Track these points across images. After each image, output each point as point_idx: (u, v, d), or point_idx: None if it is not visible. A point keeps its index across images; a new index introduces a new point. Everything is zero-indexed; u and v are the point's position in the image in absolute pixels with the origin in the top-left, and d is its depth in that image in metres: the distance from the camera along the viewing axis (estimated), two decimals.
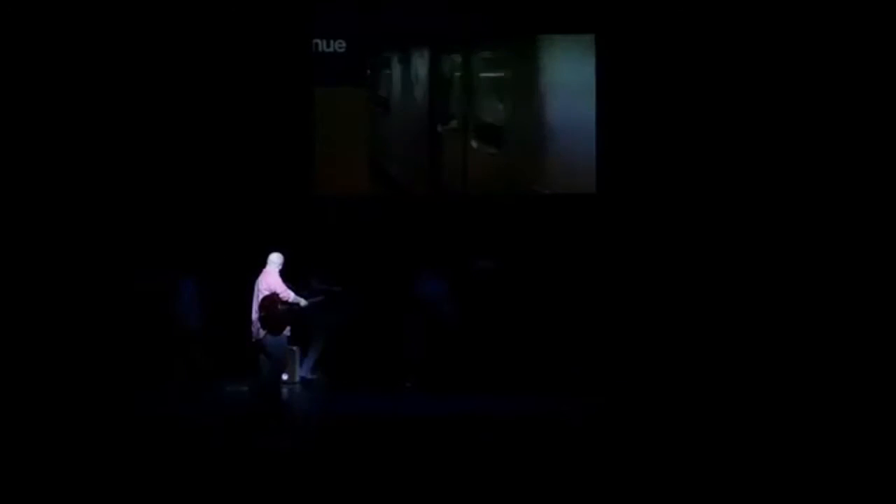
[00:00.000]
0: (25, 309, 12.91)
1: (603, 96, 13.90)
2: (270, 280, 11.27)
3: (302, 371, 13.29)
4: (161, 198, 13.67)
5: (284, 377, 12.56)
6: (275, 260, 11.41)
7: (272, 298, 11.17)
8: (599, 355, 13.13)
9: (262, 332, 11.24)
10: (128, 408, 11.44)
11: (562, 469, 8.92)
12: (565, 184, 14.10)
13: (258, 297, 11.27)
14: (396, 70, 14.44)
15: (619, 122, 13.86)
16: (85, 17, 13.33)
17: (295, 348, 12.79)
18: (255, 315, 11.27)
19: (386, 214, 14.19)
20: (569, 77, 14.03)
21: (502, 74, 14.18)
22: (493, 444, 9.80)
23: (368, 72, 14.31)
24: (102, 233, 13.44)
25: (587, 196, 14.01)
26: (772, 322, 12.93)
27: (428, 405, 11.86)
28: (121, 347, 13.03)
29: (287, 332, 11.37)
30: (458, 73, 14.28)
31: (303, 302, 11.43)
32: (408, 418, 11.15)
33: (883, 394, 11.30)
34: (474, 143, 14.28)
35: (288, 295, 11.24)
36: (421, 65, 14.35)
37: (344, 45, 14.16)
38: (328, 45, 14.13)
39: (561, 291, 13.69)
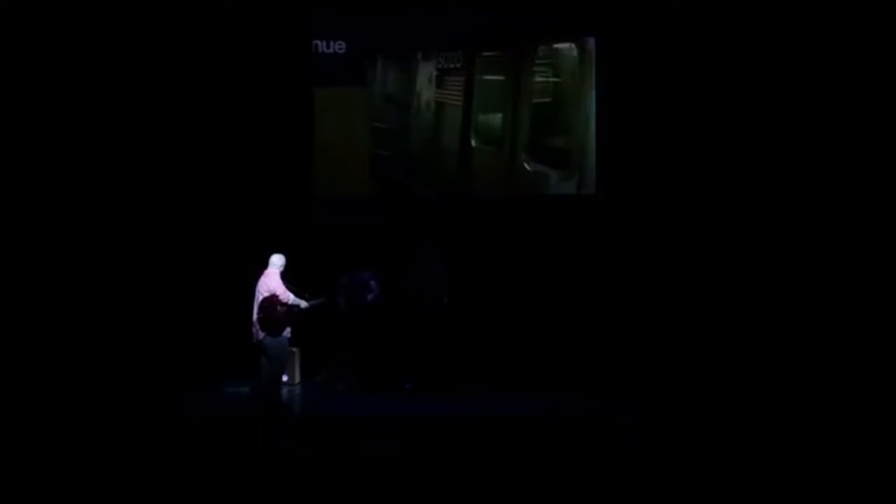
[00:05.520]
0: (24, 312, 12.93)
1: (603, 98, 13.89)
2: (270, 281, 11.28)
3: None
4: (161, 198, 13.67)
5: (284, 378, 12.57)
6: (276, 261, 11.43)
7: (272, 300, 11.18)
8: (599, 355, 13.14)
9: (261, 334, 11.26)
10: (129, 409, 11.45)
11: (561, 470, 8.93)
12: (563, 185, 14.12)
13: (258, 298, 11.29)
14: (397, 70, 14.45)
15: (619, 123, 13.86)
16: (86, 18, 13.33)
17: (295, 349, 12.79)
18: (254, 316, 11.29)
19: (386, 215, 14.19)
20: (568, 78, 14.03)
21: (503, 76, 14.17)
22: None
23: (377, 70, 14.31)
24: (102, 233, 13.43)
25: (587, 197, 14.02)
26: (772, 323, 12.93)
27: (427, 406, 11.87)
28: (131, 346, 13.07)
29: (287, 333, 11.39)
30: (458, 75, 14.26)
31: (303, 304, 11.44)
32: (407, 419, 11.17)
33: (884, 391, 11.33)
34: (474, 143, 14.30)
35: (287, 296, 11.24)
36: (422, 65, 14.35)
37: (344, 45, 14.17)
38: (328, 46, 14.13)
39: (560, 292, 13.70)
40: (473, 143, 14.29)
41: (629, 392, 12.21)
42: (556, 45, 14.05)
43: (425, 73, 14.35)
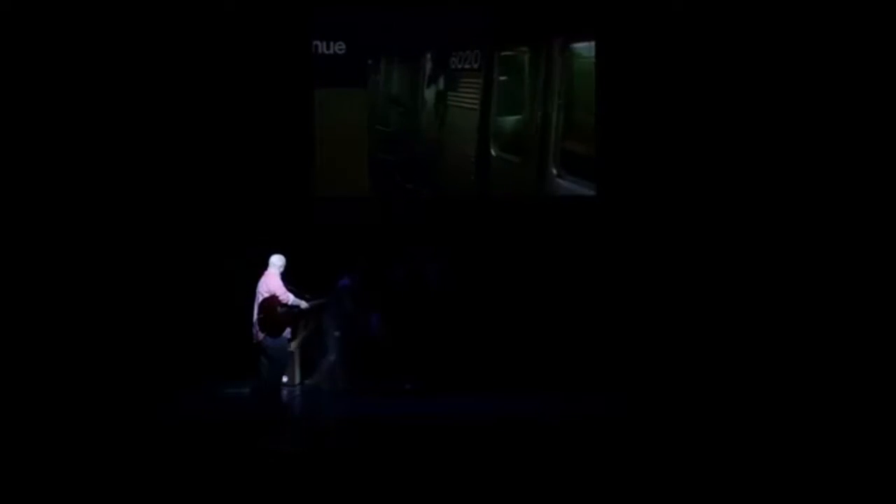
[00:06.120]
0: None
1: (603, 100, 13.88)
2: (271, 282, 11.28)
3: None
4: (162, 200, 13.68)
5: (284, 379, 12.57)
6: (276, 262, 11.42)
7: (272, 301, 11.18)
8: (600, 357, 13.14)
9: (261, 335, 11.26)
10: (129, 410, 11.45)
11: (560, 470, 8.94)
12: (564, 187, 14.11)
13: (258, 299, 11.29)
14: (402, 72, 14.41)
15: (619, 125, 13.85)
16: (86, 18, 13.33)
17: (294, 350, 12.79)
18: (255, 317, 11.29)
19: (386, 216, 14.20)
20: (568, 80, 14.00)
21: (505, 77, 14.14)
22: None
23: (379, 72, 14.27)
24: (102, 233, 13.43)
25: (587, 199, 14.00)
26: (775, 326, 12.92)
27: (427, 407, 11.87)
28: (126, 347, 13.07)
29: (287, 334, 11.40)
30: (458, 76, 14.22)
31: (303, 304, 11.44)
32: (407, 420, 11.18)
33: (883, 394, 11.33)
34: (494, 152, 14.17)
35: (287, 297, 11.24)
36: (422, 66, 14.33)
37: (344, 46, 14.17)
38: (328, 47, 14.13)
39: (561, 294, 13.70)
40: (493, 151, 14.10)
41: (629, 393, 12.22)
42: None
43: (434, 75, 14.30)
